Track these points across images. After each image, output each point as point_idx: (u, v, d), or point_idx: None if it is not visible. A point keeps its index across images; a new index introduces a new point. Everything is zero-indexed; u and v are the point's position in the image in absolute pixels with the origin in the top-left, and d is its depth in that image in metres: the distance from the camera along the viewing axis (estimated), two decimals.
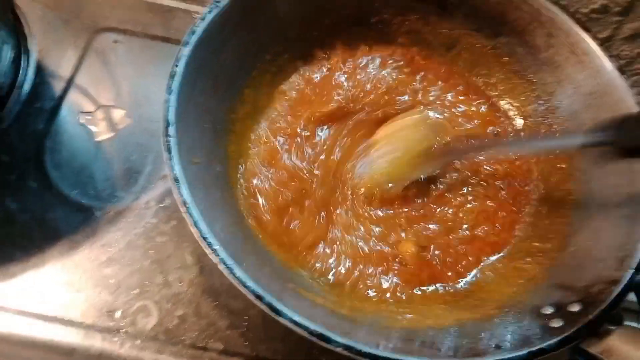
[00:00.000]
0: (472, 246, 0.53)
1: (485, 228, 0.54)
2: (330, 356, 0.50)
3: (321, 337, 0.38)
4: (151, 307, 0.52)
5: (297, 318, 0.38)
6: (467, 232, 0.54)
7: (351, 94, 0.59)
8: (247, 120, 0.56)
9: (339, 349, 0.38)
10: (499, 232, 0.54)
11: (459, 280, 0.52)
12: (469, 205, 0.55)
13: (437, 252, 0.53)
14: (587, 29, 0.53)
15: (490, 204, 0.55)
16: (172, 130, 0.44)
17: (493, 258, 0.53)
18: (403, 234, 0.53)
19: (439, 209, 0.55)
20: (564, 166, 0.55)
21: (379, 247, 0.52)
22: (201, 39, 0.48)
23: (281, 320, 0.38)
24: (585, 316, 0.41)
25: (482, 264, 0.52)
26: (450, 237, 0.53)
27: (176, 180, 0.42)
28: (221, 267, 0.39)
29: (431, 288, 0.52)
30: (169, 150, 0.43)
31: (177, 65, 0.46)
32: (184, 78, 0.47)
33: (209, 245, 0.40)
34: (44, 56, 0.64)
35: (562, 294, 0.45)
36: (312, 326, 0.38)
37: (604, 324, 0.41)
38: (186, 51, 0.47)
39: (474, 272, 0.52)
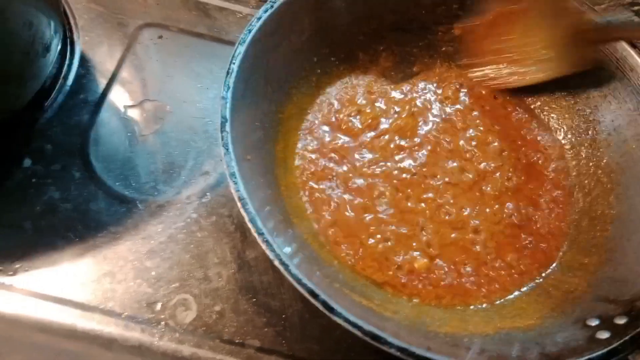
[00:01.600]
0: (514, 267, 0.53)
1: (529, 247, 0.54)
2: (366, 359, 0.51)
3: (375, 337, 0.38)
4: (190, 301, 0.53)
5: (351, 317, 0.38)
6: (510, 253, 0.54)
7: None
8: (293, 120, 0.56)
9: (392, 350, 0.38)
10: (543, 251, 0.54)
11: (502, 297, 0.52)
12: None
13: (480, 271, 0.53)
14: (634, 46, 0.53)
15: (533, 218, 0.55)
16: (228, 126, 0.44)
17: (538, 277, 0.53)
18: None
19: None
20: (604, 179, 0.55)
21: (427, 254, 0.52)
22: (255, 38, 0.49)
23: (335, 318, 0.39)
24: (632, 328, 0.41)
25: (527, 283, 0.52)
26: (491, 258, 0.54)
27: (233, 175, 0.42)
28: (276, 262, 0.40)
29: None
30: (226, 146, 0.43)
31: (234, 63, 0.47)
32: (238, 76, 0.47)
33: (266, 241, 0.40)
34: (88, 49, 0.64)
35: (606, 307, 0.45)
36: (366, 326, 0.38)
37: None
38: (242, 49, 0.48)
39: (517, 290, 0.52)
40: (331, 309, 0.38)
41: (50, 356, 0.52)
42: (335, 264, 0.50)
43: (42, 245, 0.53)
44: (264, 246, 0.40)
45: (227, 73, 0.47)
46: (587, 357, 0.40)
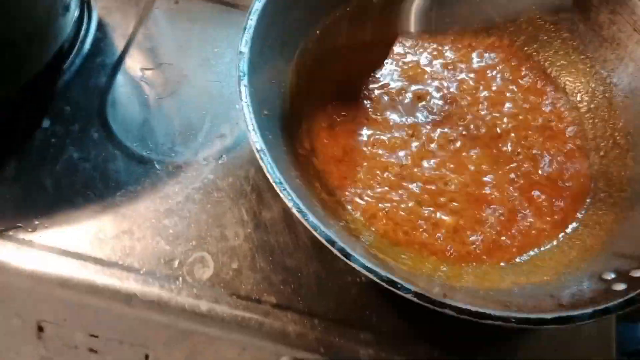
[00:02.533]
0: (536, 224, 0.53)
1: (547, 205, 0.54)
2: (382, 317, 0.52)
3: (392, 283, 0.39)
4: (208, 258, 0.53)
5: (368, 263, 0.39)
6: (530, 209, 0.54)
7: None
8: (312, 80, 0.56)
9: (409, 296, 0.38)
10: (561, 210, 0.54)
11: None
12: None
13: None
14: None
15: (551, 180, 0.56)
16: (245, 80, 0.45)
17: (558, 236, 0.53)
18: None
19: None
20: (621, 141, 0.55)
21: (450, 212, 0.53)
22: None
23: (353, 264, 0.39)
24: None
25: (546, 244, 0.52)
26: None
27: (251, 128, 0.43)
28: (294, 211, 0.40)
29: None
30: (243, 99, 0.44)
31: (251, 19, 0.47)
32: (255, 32, 0.47)
33: (284, 190, 0.40)
34: (106, 14, 0.65)
35: (622, 262, 0.45)
36: (383, 272, 0.39)
37: None
38: (259, 5, 0.48)
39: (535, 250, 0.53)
40: (348, 255, 0.39)
41: (73, 310, 0.53)
42: (357, 222, 0.51)
43: (62, 203, 0.54)
44: (282, 195, 0.40)
45: (244, 29, 0.47)
46: (603, 306, 0.40)
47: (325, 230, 0.39)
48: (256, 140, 0.42)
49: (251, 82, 0.46)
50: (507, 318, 0.38)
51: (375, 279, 0.39)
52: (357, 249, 0.41)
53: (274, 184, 0.41)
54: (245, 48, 0.46)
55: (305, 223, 0.40)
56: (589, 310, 0.40)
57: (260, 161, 0.42)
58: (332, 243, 0.39)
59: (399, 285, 0.38)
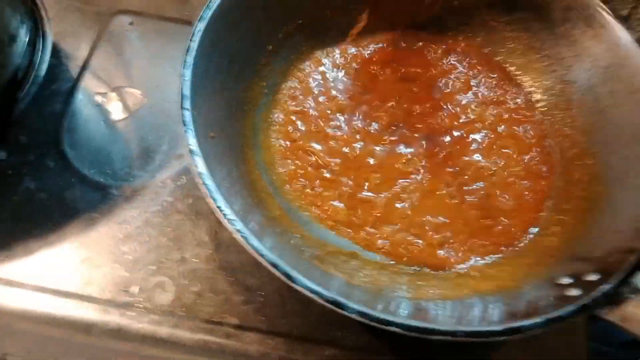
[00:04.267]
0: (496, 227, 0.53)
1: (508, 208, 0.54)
2: (347, 332, 0.51)
3: (335, 303, 0.38)
4: (168, 283, 0.53)
5: (312, 285, 0.38)
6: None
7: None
8: (264, 98, 0.56)
9: (353, 315, 0.38)
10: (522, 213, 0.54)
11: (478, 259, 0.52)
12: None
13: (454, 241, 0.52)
14: (604, 1, 0.52)
15: (511, 181, 0.55)
16: (187, 103, 0.44)
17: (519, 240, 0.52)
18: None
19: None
20: (581, 139, 0.54)
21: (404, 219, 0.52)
22: (216, 15, 0.49)
23: (296, 287, 0.38)
24: (602, 285, 0.41)
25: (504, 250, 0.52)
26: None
27: (192, 152, 0.42)
28: (237, 236, 0.39)
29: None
30: (184, 123, 0.43)
31: (192, 40, 0.47)
32: (199, 53, 0.47)
33: (224, 215, 0.40)
34: (60, 39, 0.65)
35: (579, 265, 0.45)
36: (327, 293, 0.38)
37: (621, 292, 0.40)
38: (201, 26, 0.48)
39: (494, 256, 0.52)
40: (291, 278, 0.38)
41: (37, 341, 0.52)
42: (307, 234, 0.50)
43: (19, 234, 0.54)
44: (223, 221, 0.40)
45: (186, 50, 0.46)
46: (555, 315, 0.39)
47: (268, 254, 0.39)
48: (195, 164, 0.42)
49: (195, 104, 0.45)
50: (454, 332, 0.38)
51: (320, 300, 0.38)
52: (306, 267, 0.41)
53: (215, 210, 0.40)
54: (186, 71, 0.45)
55: (247, 246, 0.39)
56: (541, 319, 0.39)
57: (200, 185, 0.41)
58: (275, 266, 0.39)
59: (342, 305, 0.37)
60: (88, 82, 0.62)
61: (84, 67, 0.63)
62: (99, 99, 0.61)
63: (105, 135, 0.60)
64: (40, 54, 0.62)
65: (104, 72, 0.63)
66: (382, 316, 0.37)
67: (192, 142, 0.43)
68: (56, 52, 0.63)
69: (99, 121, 0.60)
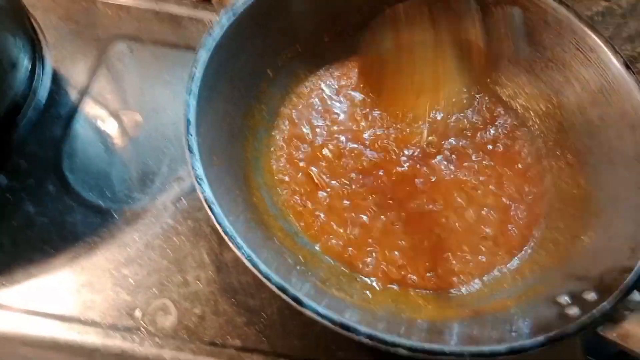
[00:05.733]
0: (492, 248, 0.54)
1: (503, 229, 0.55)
2: (348, 352, 0.52)
3: (344, 327, 0.39)
4: (170, 305, 0.53)
5: (320, 309, 0.39)
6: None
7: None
8: (264, 123, 0.57)
9: (360, 338, 0.38)
10: (517, 233, 0.55)
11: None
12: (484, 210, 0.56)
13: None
14: (592, 26, 0.54)
15: (506, 202, 0.56)
16: (192, 129, 0.45)
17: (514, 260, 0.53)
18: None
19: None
20: (573, 161, 0.56)
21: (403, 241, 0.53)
22: (219, 44, 0.50)
23: (305, 311, 0.39)
24: (600, 303, 0.42)
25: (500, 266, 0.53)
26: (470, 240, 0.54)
27: (198, 178, 0.43)
28: (245, 261, 0.40)
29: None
30: (190, 149, 0.44)
31: (195, 68, 0.47)
32: (202, 81, 0.48)
33: (233, 240, 0.40)
34: (59, 65, 0.65)
35: (576, 284, 0.46)
36: (336, 317, 0.39)
37: (619, 309, 0.41)
38: (204, 54, 0.48)
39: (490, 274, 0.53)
40: (300, 302, 0.39)
41: None
42: (312, 259, 0.51)
43: (20, 260, 0.54)
44: (232, 246, 0.41)
45: (190, 78, 0.47)
46: (556, 333, 0.40)
47: (275, 277, 0.39)
48: (203, 191, 0.42)
49: (199, 130, 0.46)
50: (461, 353, 0.38)
51: (329, 325, 0.39)
52: (311, 290, 0.42)
53: (224, 236, 0.41)
54: (190, 97, 0.46)
55: (256, 271, 0.40)
56: (542, 338, 0.40)
57: (208, 211, 0.42)
58: (284, 290, 0.39)
59: (352, 329, 0.38)
60: (87, 107, 0.63)
61: (83, 92, 0.63)
62: (99, 123, 0.62)
63: (105, 159, 0.60)
64: (40, 79, 0.62)
65: (104, 97, 0.64)
66: (389, 339, 0.38)
67: (198, 167, 0.43)
68: (56, 77, 0.63)
69: (98, 145, 0.61)
